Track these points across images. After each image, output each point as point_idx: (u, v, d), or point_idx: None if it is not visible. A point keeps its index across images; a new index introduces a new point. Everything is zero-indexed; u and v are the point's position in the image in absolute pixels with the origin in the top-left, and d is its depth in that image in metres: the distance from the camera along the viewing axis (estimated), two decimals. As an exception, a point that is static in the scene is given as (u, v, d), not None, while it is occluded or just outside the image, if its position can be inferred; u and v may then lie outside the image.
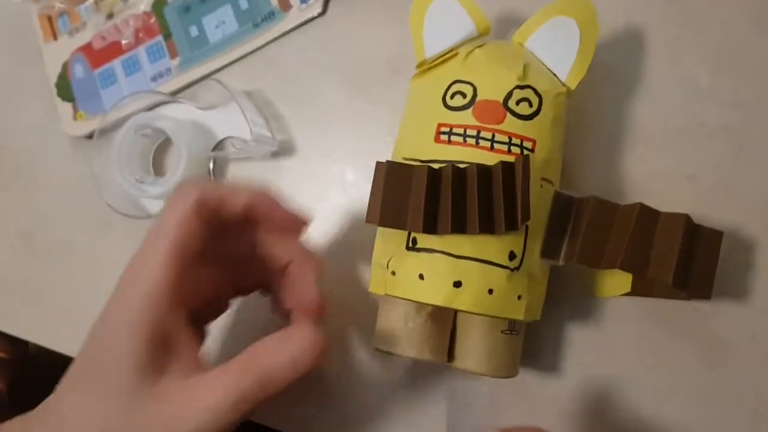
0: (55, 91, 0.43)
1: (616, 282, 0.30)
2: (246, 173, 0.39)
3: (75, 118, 0.42)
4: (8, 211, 0.44)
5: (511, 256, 0.27)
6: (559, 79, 0.29)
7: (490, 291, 0.26)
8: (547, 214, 0.28)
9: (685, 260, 0.27)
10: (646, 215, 0.27)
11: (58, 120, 0.43)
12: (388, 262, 0.29)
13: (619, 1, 0.34)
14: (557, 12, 0.29)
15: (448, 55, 0.30)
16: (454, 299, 0.26)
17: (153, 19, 0.41)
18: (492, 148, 0.27)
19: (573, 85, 0.29)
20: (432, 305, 0.28)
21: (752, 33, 0.33)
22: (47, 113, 0.43)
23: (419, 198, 0.26)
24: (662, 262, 0.27)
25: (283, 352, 0.26)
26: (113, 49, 0.42)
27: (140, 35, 0.42)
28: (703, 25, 0.33)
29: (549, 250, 0.28)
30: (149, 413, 0.24)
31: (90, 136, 0.41)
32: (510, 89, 0.28)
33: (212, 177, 0.39)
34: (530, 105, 0.28)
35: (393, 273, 0.28)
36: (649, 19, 0.34)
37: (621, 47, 0.34)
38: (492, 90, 0.28)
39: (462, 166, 0.27)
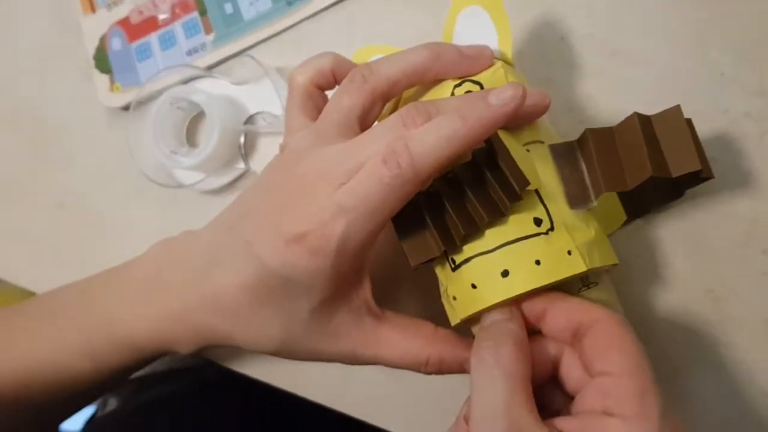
0: (93, 63, 0.44)
1: (609, 217, 0.30)
2: (276, 148, 0.40)
3: (111, 90, 0.44)
4: (44, 181, 0.46)
5: (537, 222, 0.27)
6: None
7: (537, 262, 0.26)
8: (551, 169, 0.28)
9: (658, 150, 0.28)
10: (646, 122, 0.28)
11: (95, 91, 0.44)
12: (446, 291, 0.29)
13: (648, -13, 0.35)
14: (463, 4, 0.31)
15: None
16: (509, 288, 0.26)
17: (189, -4, 0.42)
18: None
19: (509, 57, 0.31)
20: (496, 305, 0.27)
21: (779, 22, 0.33)
22: (84, 85, 0.45)
23: (426, 224, 0.28)
24: (680, 156, 0.28)
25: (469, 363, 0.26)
26: (150, 24, 0.43)
27: (176, 11, 0.43)
28: (729, 11, 0.34)
29: (576, 198, 0.28)
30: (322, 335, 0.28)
31: (126, 108, 0.43)
32: (450, 93, 0.29)
33: (242, 151, 0.40)
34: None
35: (454, 298, 0.28)
36: (675, 4, 0.35)
37: (646, 32, 0.35)
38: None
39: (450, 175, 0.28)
